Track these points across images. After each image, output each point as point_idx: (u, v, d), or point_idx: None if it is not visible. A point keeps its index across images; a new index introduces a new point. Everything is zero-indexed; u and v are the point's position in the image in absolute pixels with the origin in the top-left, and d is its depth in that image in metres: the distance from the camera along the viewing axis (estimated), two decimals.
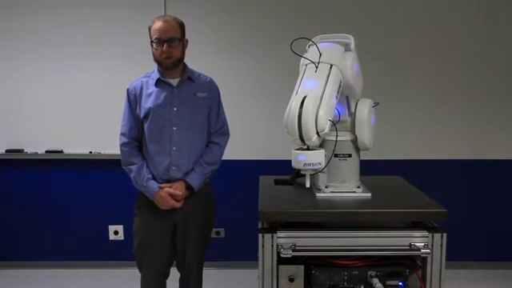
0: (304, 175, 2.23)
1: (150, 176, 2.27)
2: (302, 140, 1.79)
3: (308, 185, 1.93)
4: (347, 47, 2.01)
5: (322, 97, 1.80)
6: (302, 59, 2.01)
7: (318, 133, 1.78)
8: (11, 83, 3.52)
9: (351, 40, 2.02)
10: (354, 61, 1.97)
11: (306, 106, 1.76)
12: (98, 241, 3.68)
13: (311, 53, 1.96)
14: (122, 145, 2.32)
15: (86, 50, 3.47)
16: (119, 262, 3.57)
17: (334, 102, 1.86)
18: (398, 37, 3.46)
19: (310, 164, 1.80)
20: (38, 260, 3.68)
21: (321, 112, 1.77)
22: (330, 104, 1.82)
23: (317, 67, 1.88)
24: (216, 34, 3.48)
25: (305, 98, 1.79)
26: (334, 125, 1.85)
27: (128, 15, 3.45)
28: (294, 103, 1.79)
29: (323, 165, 1.83)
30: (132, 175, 2.30)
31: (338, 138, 1.95)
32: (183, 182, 2.28)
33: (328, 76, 1.86)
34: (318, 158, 1.81)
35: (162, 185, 2.27)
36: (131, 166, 2.29)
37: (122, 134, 2.32)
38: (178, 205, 2.27)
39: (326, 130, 1.80)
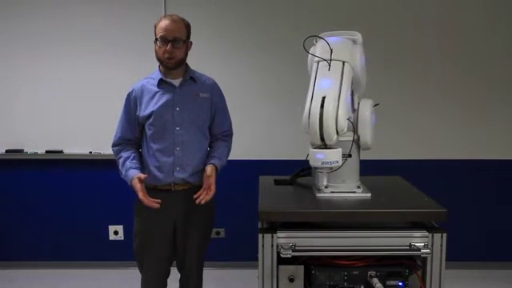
0: (304, 175, 2.25)
1: (132, 166, 2.26)
2: (323, 140, 1.80)
3: (325, 183, 1.95)
4: (354, 42, 2.01)
5: (339, 96, 1.81)
6: (310, 55, 2.00)
7: (337, 132, 1.79)
8: (11, 83, 3.52)
9: (358, 36, 2.03)
10: (361, 55, 1.98)
11: (326, 107, 1.77)
12: (98, 241, 3.68)
13: (320, 48, 1.95)
14: (113, 145, 2.36)
15: (86, 50, 3.48)
16: (119, 262, 3.58)
17: (349, 101, 1.88)
18: (398, 37, 3.46)
19: (327, 162, 1.81)
20: (38, 260, 3.69)
21: (340, 112, 1.78)
22: (347, 103, 1.83)
23: (329, 65, 1.88)
24: (216, 33, 3.48)
25: (323, 98, 1.78)
26: (352, 123, 1.88)
27: (128, 15, 3.45)
28: (314, 104, 1.79)
29: (340, 163, 1.84)
30: (119, 167, 2.31)
31: (342, 138, 1.96)
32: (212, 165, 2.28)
33: (342, 74, 1.87)
34: (335, 156, 1.82)
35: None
36: (120, 159, 2.31)
37: (115, 137, 2.35)
38: (145, 202, 2.18)
39: (345, 130, 1.82)
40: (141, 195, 2.18)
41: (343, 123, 1.79)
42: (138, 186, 2.19)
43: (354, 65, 1.92)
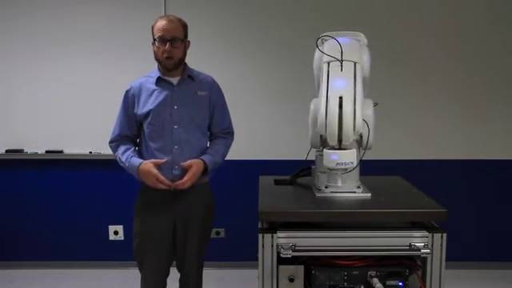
0: (304, 175, 2.25)
1: (135, 156, 2.27)
2: (340, 141, 1.77)
3: (340, 183, 1.94)
4: (359, 43, 2.00)
5: (355, 97, 1.79)
6: (317, 55, 1.97)
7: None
8: (11, 83, 3.52)
9: (362, 37, 2.02)
10: (368, 56, 1.97)
11: (345, 107, 1.74)
12: (97, 241, 3.68)
13: (329, 49, 1.91)
14: (110, 141, 2.36)
15: (85, 50, 3.48)
16: (119, 262, 3.58)
17: (363, 101, 1.86)
18: (397, 37, 3.46)
19: (342, 163, 1.79)
20: (38, 260, 3.68)
21: (357, 113, 1.76)
22: (362, 103, 1.81)
23: (342, 65, 1.85)
24: (216, 33, 3.48)
25: (340, 98, 1.76)
26: (367, 123, 1.85)
27: (128, 15, 3.45)
28: (332, 105, 1.75)
29: (355, 164, 1.82)
30: (118, 157, 2.31)
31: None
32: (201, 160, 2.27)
33: (355, 75, 1.84)
34: (350, 157, 1.80)
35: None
36: (119, 150, 2.31)
37: (112, 133, 2.36)
38: (167, 182, 2.19)
39: (361, 130, 1.80)
40: (162, 178, 2.18)
41: (360, 124, 1.77)
42: (154, 170, 2.18)
43: (362, 66, 1.91)
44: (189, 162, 2.24)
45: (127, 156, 2.27)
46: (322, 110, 1.78)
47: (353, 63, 1.86)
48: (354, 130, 1.76)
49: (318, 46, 1.92)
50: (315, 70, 2.02)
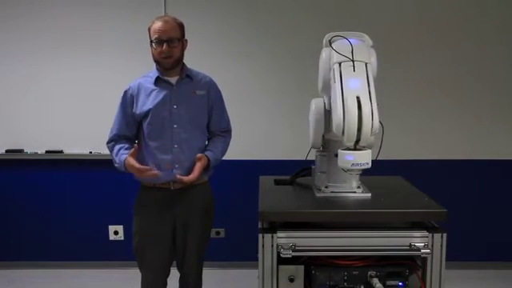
0: (304, 175, 2.25)
1: (124, 153, 2.26)
2: (357, 142, 1.74)
3: (354, 185, 1.93)
4: (365, 44, 1.99)
5: (370, 97, 1.76)
6: (325, 55, 1.95)
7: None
8: (11, 83, 3.52)
9: (366, 38, 2.00)
10: (375, 57, 1.95)
11: (363, 107, 1.71)
12: (98, 241, 3.68)
13: (338, 50, 1.86)
14: (108, 141, 2.36)
15: (86, 51, 3.47)
16: (119, 262, 3.58)
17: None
18: (398, 36, 3.46)
19: (357, 164, 1.75)
20: (38, 260, 3.68)
21: (375, 113, 1.73)
22: (376, 104, 1.78)
23: (354, 65, 1.81)
24: (216, 34, 3.48)
25: (358, 98, 1.73)
26: (381, 124, 1.84)
27: (128, 16, 3.45)
28: (350, 105, 1.71)
29: (370, 165, 1.78)
30: (113, 158, 2.31)
31: None
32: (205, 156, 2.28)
33: (367, 75, 1.81)
34: (366, 157, 1.76)
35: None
36: (114, 151, 2.31)
37: (110, 133, 2.36)
38: (147, 168, 2.18)
39: (378, 130, 1.78)
40: (141, 167, 2.16)
41: (377, 124, 1.74)
42: (130, 160, 2.17)
43: (372, 66, 1.89)
44: (199, 155, 2.25)
45: (120, 155, 2.27)
46: (338, 111, 1.73)
47: (364, 63, 1.83)
48: (372, 130, 1.73)
49: (331, 45, 1.89)
50: (322, 71, 1.98)
